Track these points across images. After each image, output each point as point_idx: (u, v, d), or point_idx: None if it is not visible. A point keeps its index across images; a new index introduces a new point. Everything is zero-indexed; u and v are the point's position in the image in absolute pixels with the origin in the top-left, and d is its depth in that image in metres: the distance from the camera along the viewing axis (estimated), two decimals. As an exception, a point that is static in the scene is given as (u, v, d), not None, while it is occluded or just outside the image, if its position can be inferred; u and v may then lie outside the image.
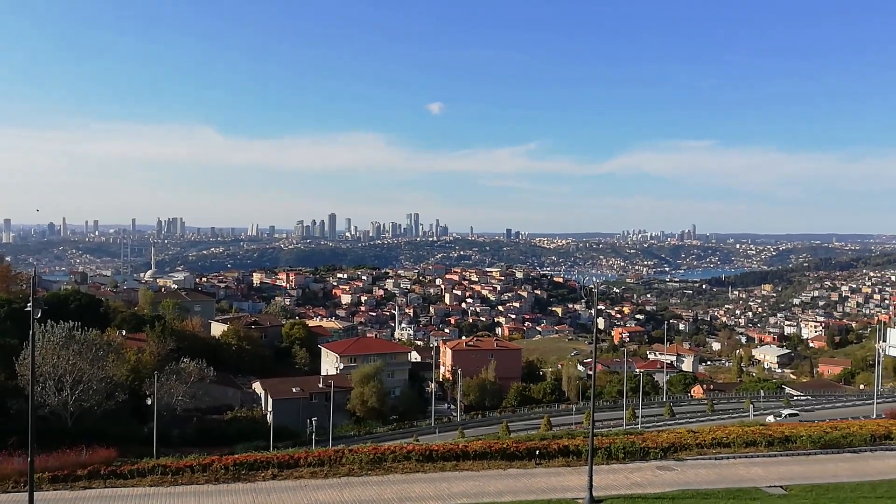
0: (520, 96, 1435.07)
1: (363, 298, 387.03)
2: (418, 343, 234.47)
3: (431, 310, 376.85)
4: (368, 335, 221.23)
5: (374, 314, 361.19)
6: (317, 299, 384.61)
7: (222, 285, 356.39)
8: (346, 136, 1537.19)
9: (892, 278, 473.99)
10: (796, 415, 56.41)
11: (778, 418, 54.25)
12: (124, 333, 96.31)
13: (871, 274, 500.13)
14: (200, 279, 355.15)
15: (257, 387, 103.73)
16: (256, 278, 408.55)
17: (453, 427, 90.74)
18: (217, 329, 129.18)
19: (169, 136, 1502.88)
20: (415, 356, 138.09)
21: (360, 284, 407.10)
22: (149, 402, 61.62)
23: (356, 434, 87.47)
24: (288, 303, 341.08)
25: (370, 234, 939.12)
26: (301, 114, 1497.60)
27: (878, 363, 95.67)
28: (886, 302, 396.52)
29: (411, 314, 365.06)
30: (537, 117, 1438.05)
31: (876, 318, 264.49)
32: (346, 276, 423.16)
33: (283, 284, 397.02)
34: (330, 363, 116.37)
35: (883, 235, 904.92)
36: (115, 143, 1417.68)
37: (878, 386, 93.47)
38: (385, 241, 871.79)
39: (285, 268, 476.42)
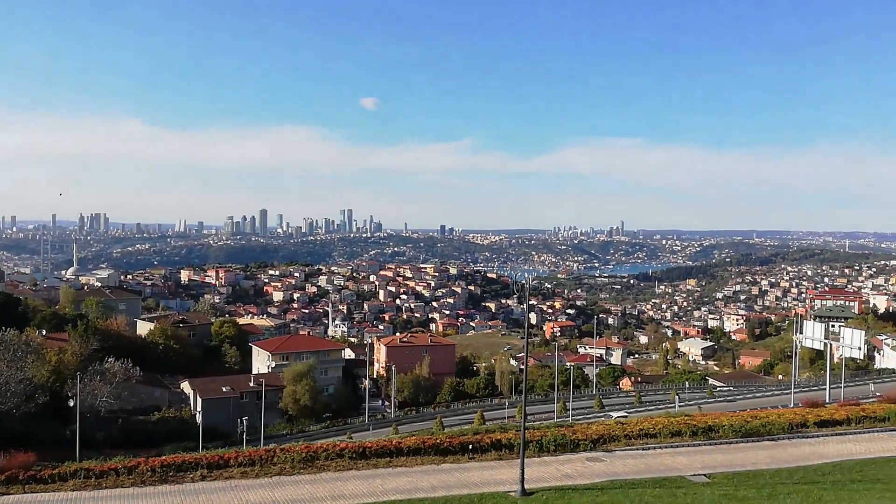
0: (453, 92, 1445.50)
1: (296, 295, 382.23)
2: (352, 340, 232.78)
3: (365, 306, 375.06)
4: (301, 333, 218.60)
5: (306, 311, 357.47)
6: (248, 297, 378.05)
7: (149, 283, 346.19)
8: (278, 129, 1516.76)
9: (808, 273, 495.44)
10: (625, 416, 57.50)
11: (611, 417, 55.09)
12: (44, 333, 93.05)
13: (789, 269, 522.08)
14: (125, 277, 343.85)
15: (186, 386, 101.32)
16: (184, 275, 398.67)
17: (387, 424, 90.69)
18: (143, 328, 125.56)
19: (92, 129, 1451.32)
20: (349, 353, 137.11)
21: (293, 281, 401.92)
22: (71, 403, 59.43)
23: (288, 433, 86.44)
24: (218, 300, 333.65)
25: (303, 231, 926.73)
26: (231, 106, 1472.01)
27: (795, 354, 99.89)
28: (803, 296, 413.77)
29: (345, 311, 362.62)
30: (471, 113, 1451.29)
31: (793, 311, 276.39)
32: (278, 272, 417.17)
33: (213, 282, 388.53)
34: (261, 361, 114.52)
35: (800, 232, 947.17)
36: (32, 134, 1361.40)
37: (795, 376, 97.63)
38: (318, 238, 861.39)
39: (215, 265, 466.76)
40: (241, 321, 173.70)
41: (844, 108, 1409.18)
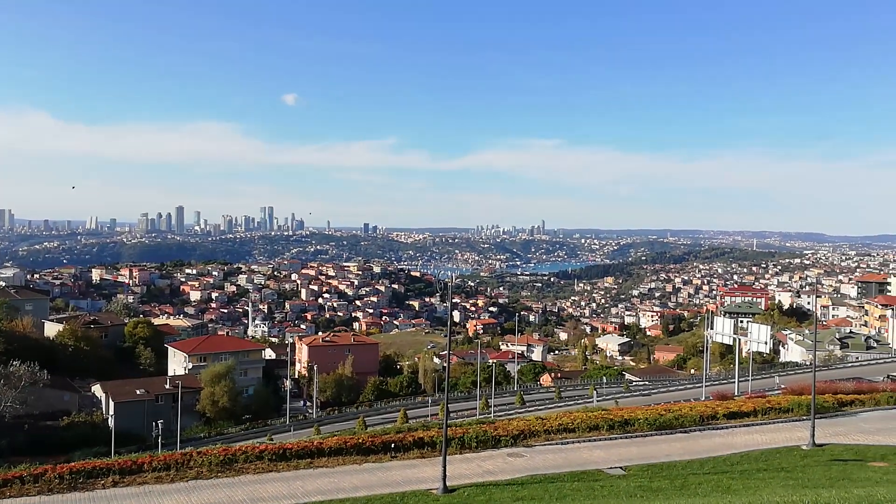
0: (377, 90, 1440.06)
1: (214, 295, 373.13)
2: (273, 340, 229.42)
3: (287, 305, 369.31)
4: (220, 333, 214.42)
5: (225, 311, 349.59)
6: (163, 296, 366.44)
7: (57, 282, 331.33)
8: (196, 125, 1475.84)
9: (719, 270, 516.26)
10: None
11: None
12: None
13: (701, 266, 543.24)
14: (32, 276, 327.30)
15: (97, 390, 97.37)
16: (96, 274, 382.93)
17: (309, 424, 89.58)
18: (51, 329, 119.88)
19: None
20: (269, 353, 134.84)
21: (211, 280, 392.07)
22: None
23: (206, 436, 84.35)
24: (131, 300, 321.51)
25: (221, 228, 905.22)
26: (145, 100, 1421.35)
27: (707, 349, 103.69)
28: (714, 293, 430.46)
29: (266, 310, 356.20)
30: (395, 111, 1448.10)
31: (705, 308, 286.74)
32: (195, 271, 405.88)
33: (126, 281, 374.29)
34: (178, 363, 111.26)
35: (711, 231, 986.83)
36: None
37: (706, 370, 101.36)
38: (238, 236, 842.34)
39: (128, 263, 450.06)
40: (156, 322, 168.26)
41: (753, 114, 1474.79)
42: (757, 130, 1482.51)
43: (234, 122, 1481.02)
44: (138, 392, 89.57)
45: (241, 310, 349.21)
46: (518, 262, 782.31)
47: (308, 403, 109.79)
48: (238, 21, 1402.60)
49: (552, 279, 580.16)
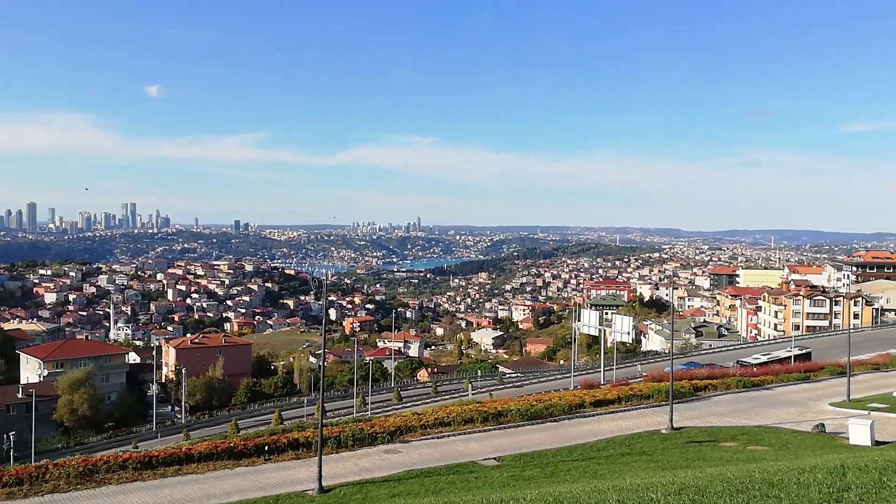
0: (249, 84, 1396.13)
1: (72, 297, 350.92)
2: (138, 343, 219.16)
3: (152, 307, 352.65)
4: (79, 337, 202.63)
5: (84, 314, 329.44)
6: (14, 299, 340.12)
7: None
8: (49, 115, 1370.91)
9: (586, 265, 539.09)
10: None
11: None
12: None
13: (569, 261, 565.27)
14: None
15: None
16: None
17: (178, 430, 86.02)
18: None
19: None
20: (134, 357, 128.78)
21: (68, 281, 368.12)
22: None
23: (65, 446, 79.39)
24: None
25: (79, 226, 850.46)
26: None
27: (574, 340, 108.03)
28: (581, 286, 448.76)
29: (129, 312, 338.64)
30: (266, 106, 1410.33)
31: (572, 301, 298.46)
32: (50, 272, 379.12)
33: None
34: (31, 370, 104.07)
35: (578, 227, 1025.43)
36: None
37: (574, 361, 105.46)
38: (97, 234, 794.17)
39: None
40: (5, 326, 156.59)
41: (613, 117, 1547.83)
42: (621, 131, 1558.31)
43: (93, 114, 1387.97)
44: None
45: (101, 312, 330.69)
46: (395, 259, 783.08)
47: (177, 408, 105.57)
48: (94, 7, 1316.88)
49: (428, 275, 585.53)
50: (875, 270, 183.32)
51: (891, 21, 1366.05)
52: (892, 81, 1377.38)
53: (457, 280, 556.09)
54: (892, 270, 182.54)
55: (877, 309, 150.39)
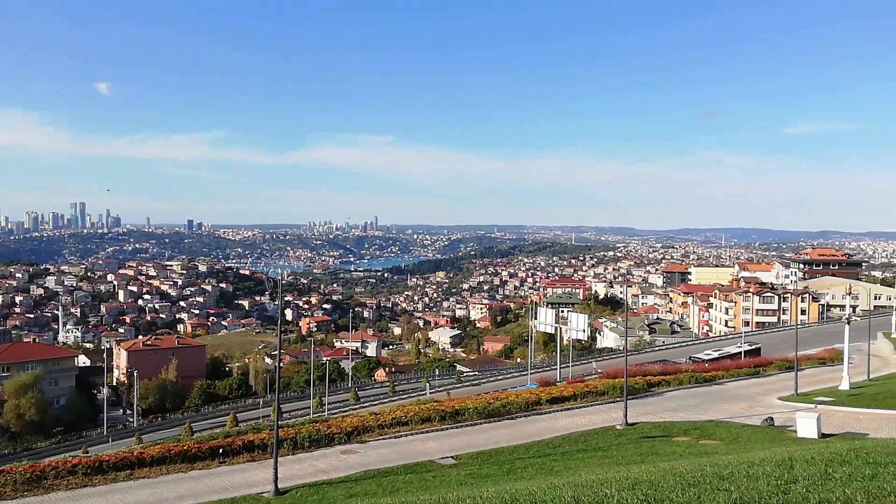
0: (201, 83, 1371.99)
1: (18, 299, 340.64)
2: (88, 346, 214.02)
3: (103, 308, 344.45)
4: (25, 340, 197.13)
5: (31, 316, 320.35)
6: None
7: None
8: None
9: (542, 264, 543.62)
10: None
11: None
12: None
13: (525, 260, 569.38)
14: None
15: None
16: None
17: (130, 434, 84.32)
18: None
19: None
20: (84, 360, 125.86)
21: (14, 283, 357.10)
22: None
23: (12, 452, 77.38)
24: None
25: (25, 226, 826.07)
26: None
27: (531, 338, 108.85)
28: (537, 284, 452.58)
29: (78, 314, 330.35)
30: (219, 104, 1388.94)
31: (529, 299, 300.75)
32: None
33: None
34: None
35: (534, 226, 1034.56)
36: None
37: (531, 358, 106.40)
38: (45, 234, 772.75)
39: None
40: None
41: (566, 118, 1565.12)
42: (574, 131, 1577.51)
43: (38, 111, 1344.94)
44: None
45: (50, 314, 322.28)
46: (352, 259, 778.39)
47: (129, 412, 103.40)
48: (42, 2, 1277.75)
49: (386, 275, 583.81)
50: (821, 267, 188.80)
51: (832, 27, 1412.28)
52: (834, 84, 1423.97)
53: (414, 279, 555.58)
54: (837, 267, 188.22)
55: (823, 305, 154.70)
